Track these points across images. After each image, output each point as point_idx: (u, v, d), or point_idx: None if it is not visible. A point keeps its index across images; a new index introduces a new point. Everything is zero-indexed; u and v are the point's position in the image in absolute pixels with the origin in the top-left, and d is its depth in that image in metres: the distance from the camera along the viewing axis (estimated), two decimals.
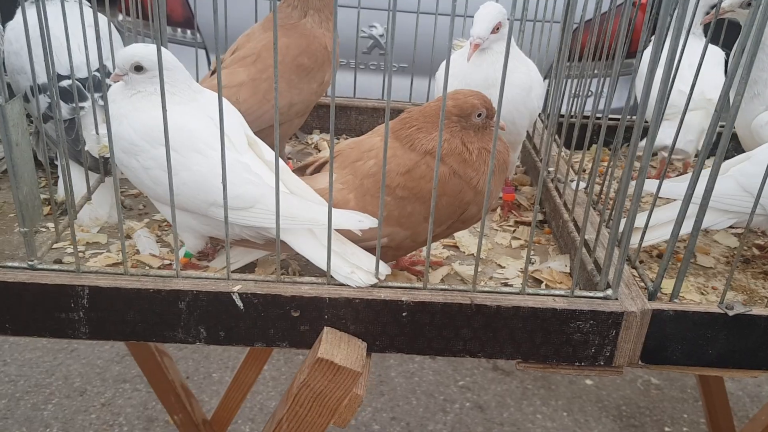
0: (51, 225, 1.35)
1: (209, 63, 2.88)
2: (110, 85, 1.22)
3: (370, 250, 1.16)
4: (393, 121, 1.19)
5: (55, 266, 1.10)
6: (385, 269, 1.13)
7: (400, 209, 1.14)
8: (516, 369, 1.14)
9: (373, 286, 1.11)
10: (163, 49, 1.16)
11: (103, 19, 1.48)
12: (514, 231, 1.53)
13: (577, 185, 1.41)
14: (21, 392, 2.94)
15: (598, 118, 1.61)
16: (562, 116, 1.82)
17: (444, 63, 1.56)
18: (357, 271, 1.11)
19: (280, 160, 1.20)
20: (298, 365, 3.17)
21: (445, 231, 1.20)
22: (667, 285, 1.36)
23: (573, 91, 1.75)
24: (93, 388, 2.98)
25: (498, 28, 1.41)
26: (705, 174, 1.13)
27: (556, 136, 1.77)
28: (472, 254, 1.43)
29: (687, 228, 1.35)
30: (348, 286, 1.10)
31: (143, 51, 1.16)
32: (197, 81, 1.33)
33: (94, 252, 1.31)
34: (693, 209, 1.33)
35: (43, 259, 1.13)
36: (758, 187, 1.21)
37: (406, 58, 2.94)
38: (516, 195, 1.65)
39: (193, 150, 1.13)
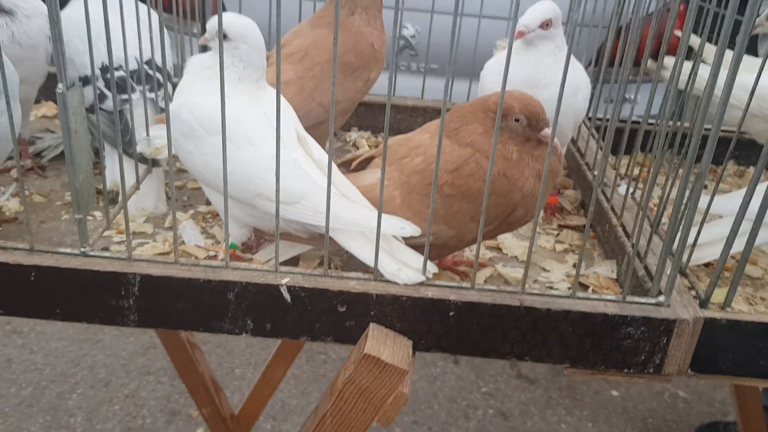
0: (98, 213, 1.36)
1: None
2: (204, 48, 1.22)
3: (417, 247, 1.15)
4: (447, 115, 1.18)
5: (107, 254, 1.11)
6: (432, 268, 1.12)
7: (447, 207, 1.13)
8: (563, 373, 1.12)
9: (421, 284, 1.10)
10: (253, 24, 1.17)
11: (154, 14, 1.49)
12: (557, 234, 1.52)
13: (627, 191, 1.39)
14: (47, 381, 2.97)
15: (643, 123, 1.60)
16: (601, 119, 1.81)
17: (489, 62, 1.56)
18: (404, 269, 1.10)
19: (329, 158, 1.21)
20: (320, 364, 3.18)
21: (491, 232, 1.19)
22: (716, 295, 1.34)
23: (612, 96, 1.73)
24: (117, 380, 3.01)
25: (548, 25, 1.40)
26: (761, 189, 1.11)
27: (600, 141, 1.75)
28: (516, 257, 1.42)
29: (740, 246, 1.33)
30: (395, 283, 1.09)
31: (232, 19, 1.17)
32: None
33: (140, 242, 1.32)
34: (745, 226, 1.32)
35: (93, 247, 1.14)
36: None
37: (438, 59, 2.93)
38: (559, 198, 1.64)
39: (246, 141, 1.13)
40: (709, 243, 1.34)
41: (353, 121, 1.97)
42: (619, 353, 1.11)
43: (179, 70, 1.72)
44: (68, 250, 1.10)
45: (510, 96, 1.14)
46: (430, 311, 1.09)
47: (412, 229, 1.10)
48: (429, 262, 1.13)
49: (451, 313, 1.09)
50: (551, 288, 1.30)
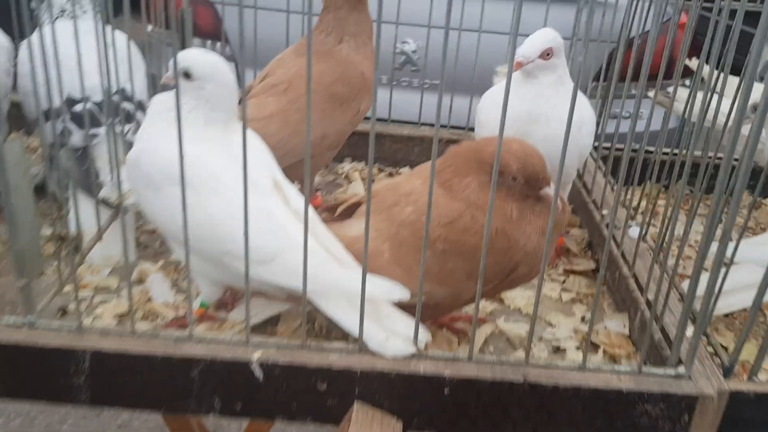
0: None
1: (238, 77, 2.77)
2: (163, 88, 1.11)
3: (408, 307, 1.03)
4: (440, 160, 1.06)
5: (56, 324, 0.99)
6: (425, 336, 1.00)
7: (441, 265, 1.00)
8: None
9: (411, 356, 0.97)
10: (220, 61, 1.05)
11: (121, 37, 1.37)
12: (563, 282, 1.39)
13: (640, 235, 1.26)
14: (36, 411, 2.85)
15: (649, 152, 1.48)
16: (607, 148, 1.68)
17: (487, 92, 1.43)
18: (393, 338, 0.98)
19: (311, 209, 1.08)
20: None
21: (491, 291, 1.06)
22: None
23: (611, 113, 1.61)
24: (109, 410, 2.87)
25: (549, 54, 1.27)
26: None
27: (608, 174, 1.63)
28: (519, 309, 1.29)
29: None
30: (382, 355, 0.97)
31: (195, 57, 1.05)
32: None
33: (103, 298, 1.20)
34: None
35: (44, 312, 1.02)
36: None
37: (439, 75, 2.81)
38: (565, 238, 1.51)
39: (213, 191, 1.01)
40: (727, 292, 1.21)
41: (346, 151, 1.83)
42: None
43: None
44: (12, 320, 0.98)
45: (507, 151, 1.00)
46: (422, 388, 0.96)
47: (401, 293, 0.97)
48: (421, 329, 1.00)
49: (446, 390, 0.96)
50: (558, 348, 1.18)
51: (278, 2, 1.74)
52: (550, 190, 1.01)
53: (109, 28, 1.19)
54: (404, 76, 3.06)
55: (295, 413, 0.98)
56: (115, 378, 0.96)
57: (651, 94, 1.70)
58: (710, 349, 1.10)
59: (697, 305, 1.09)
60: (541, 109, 1.27)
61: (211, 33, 3.13)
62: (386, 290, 0.97)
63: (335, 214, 1.15)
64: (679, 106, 1.48)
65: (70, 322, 0.99)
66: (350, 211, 1.14)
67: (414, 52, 3.00)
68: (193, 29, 3.20)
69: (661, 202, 1.78)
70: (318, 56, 1.39)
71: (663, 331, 1.09)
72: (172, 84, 1.07)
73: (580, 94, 1.35)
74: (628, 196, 1.56)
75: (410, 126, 1.87)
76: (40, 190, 1.38)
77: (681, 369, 0.99)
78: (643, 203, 1.72)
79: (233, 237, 0.98)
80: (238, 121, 1.10)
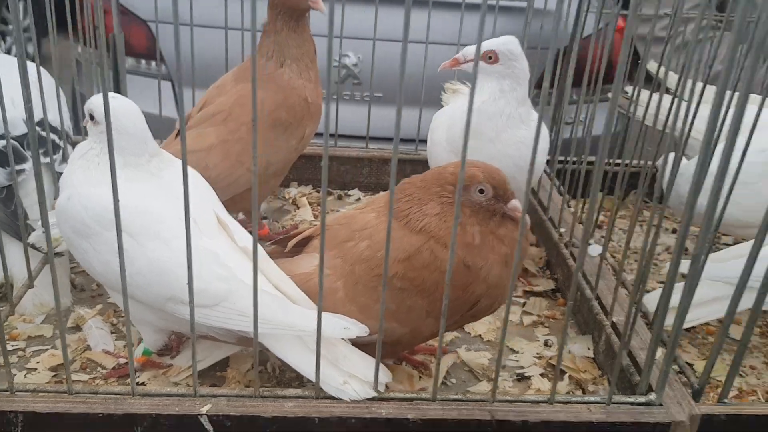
0: None
1: (175, 97, 2.67)
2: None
3: (365, 347, 0.97)
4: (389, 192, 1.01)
5: None
6: (385, 377, 0.94)
7: (399, 303, 0.95)
8: None
9: (372, 399, 0.92)
10: (130, 107, 0.98)
11: (31, 66, 1.29)
12: (524, 304, 1.35)
13: (604, 253, 1.23)
14: None
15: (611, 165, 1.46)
16: (562, 162, 1.66)
17: (437, 113, 1.40)
18: (351, 381, 0.92)
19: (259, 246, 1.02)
20: None
21: (451, 326, 1.02)
22: (702, 367, 1.20)
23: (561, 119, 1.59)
24: None
25: (491, 58, 1.23)
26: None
27: (561, 187, 1.61)
28: (480, 336, 1.25)
29: (719, 311, 1.20)
30: (341, 399, 0.91)
31: (97, 101, 0.98)
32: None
33: (37, 349, 1.11)
34: (727, 290, 1.17)
35: None
36: None
37: (381, 87, 2.77)
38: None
39: (152, 236, 0.94)
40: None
41: (292, 175, 1.78)
42: None
43: None
44: None
45: (471, 165, 0.97)
46: None
47: (358, 329, 0.92)
48: (386, 370, 0.95)
49: None
50: (523, 377, 1.14)
51: (216, 19, 1.68)
52: (517, 203, 0.97)
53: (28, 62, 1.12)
54: (346, 89, 3.02)
55: None
56: None
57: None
58: (675, 367, 1.08)
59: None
60: (483, 125, 1.23)
61: (145, 52, 3.03)
62: (342, 328, 0.91)
63: (286, 249, 1.09)
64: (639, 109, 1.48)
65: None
66: (301, 245, 1.08)
67: (355, 65, 2.96)
68: (126, 49, 3.11)
69: (623, 212, 1.78)
70: (259, 82, 1.32)
71: (630, 355, 1.06)
72: (88, 126, 1.00)
73: (533, 112, 1.32)
74: (584, 211, 1.54)
75: (358, 148, 1.81)
76: None
77: (652, 396, 0.96)
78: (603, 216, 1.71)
79: (176, 282, 0.91)
80: (166, 158, 1.03)
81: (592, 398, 0.96)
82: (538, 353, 1.20)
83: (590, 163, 1.52)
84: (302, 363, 0.93)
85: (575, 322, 1.29)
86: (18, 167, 1.21)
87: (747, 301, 1.17)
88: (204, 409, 0.88)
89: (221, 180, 1.30)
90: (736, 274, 0.98)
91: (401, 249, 0.94)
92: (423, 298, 0.95)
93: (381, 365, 0.93)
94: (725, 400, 1.00)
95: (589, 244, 1.38)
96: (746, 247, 1.20)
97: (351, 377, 0.92)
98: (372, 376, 0.92)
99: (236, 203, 1.40)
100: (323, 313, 0.91)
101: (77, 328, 1.17)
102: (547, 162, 1.66)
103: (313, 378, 0.91)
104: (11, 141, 1.19)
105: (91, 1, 1.50)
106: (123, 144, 0.95)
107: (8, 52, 4.61)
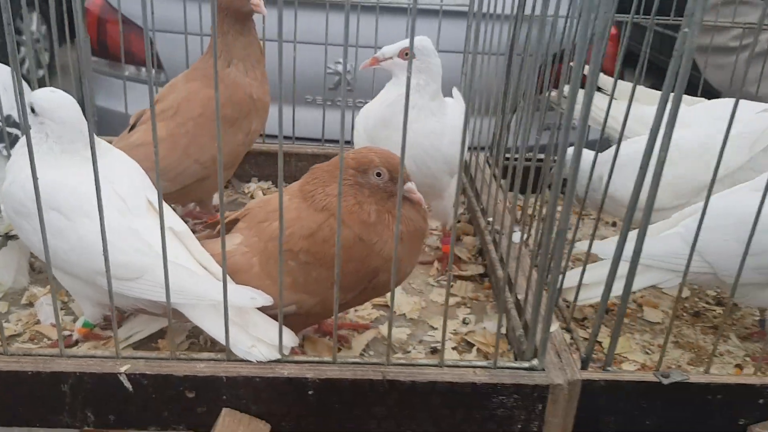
0: None
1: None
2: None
3: (284, 317, 1.07)
4: (304, 176, 1.12)
5: None
6: (291, 341, 1.04)
7: (306, 275, 1.05)
8: None
9: (277, 361, 1.02)
10: (65, 100, 1.09)
11: (5, 68, 1.41)
12: (452, 287, 1.44)
13: (524, 238, 1.32)
14: None
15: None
16: (508, 158, 1.75)
17: (364, 108, 1.50)
18: (259, 345, 1.02)
19: (185, 226, 1.13)
20: None
21: (358, 297, 1.11)
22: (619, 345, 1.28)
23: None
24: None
25: (407, 55, 1.34)
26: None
27: (502, 180, 1.69)
28: (404, 314, 1.34)
29: (638, 285, 1.28)
30: (248, 361, 1.01)
31: (38, 94, 1.09)
32: None
33: None
34: (640, 268, 1.26)
35: None
36: (707, 245, 1.15)
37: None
38: (457, 246, 1.57)
39: (82, 214, 1.04)
40: (589, 285, 1.28)
41: (253, 170, 1.89)
42: (494, 423, 1.03)
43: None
44: None
45: (369, 150, 1.08)
46: (286, 391, 1.00)
47: (263, 299, 1.02)
48: (289, 335, 1.05)
49: (310, 392, 1.01)
50: (435, 350, 1.23)
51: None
52: (412, 185, 1.07)
53: None
54: (339, 96, 3.12)
55: (167, 422, 1.01)
56: None
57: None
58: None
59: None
60: (396, 116, 1.34)
61: (144, 60, 3.15)
62: (249, 298, 1.02)
63: (214, 230, 1.20)
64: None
65: None
66: (228, 229, 1.19)
67: (348, 72, 3.06)
68: (128, 57, 3.24)
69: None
70: (206, 80, 1.45)
71: (526, 327, 1.15)
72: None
73: (449, 107, 1.42)
74: (528, 204, 1.62)
75: (315, 144, 1.92)
76: None
77: (534, 362, 1.05)
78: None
79: (102, 257, 1.02)
80: (103, 146, 1.14)
81: (479, 363, 1.05)
82: (454, 329, 1.30)
83: (528, 160, 1.61)
84: (216, 329, 1.03)
85: (495, 303, 1.38)
86: None
87: (645, 281, 1.27)
88: (123, 369, 0.99)
89: (170, 171, 1.41)
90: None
91: (305, 226, 1.05)
92: (326, 270, 1.05)
93: (288, 332, 1.03)
94: (609, 368, 1.09)
95: (514, 232, 1.47)
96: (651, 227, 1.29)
97: (259, 342, 1.02)
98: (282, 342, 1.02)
99: (188, 193, 1.51)
100: (233, 285, 1.01)
101: (30, 304, 1.28)
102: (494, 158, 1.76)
103: (224, 342, 1.01)
104: None
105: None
106: (59, 132, 1.06)
107: (23, 61, 4.78)
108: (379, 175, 1.05)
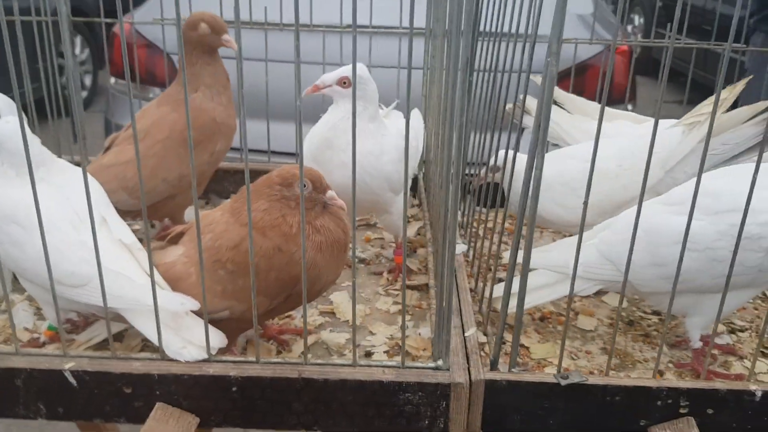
0: None
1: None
2: None
3: (217, 322, 1.19)
4: (235, 195, 1.24)
5: None
6: (218, 342, 1.16)
7: (233, 283, 1.17)
8: None
9: (204, 361, 1.13)
10: (13, 131, 1.23)
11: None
12: (397, 295, 1.55)
13: (472, 249, 1.42)
14: None
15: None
16: (469, 175, 1.84)
17: (309, 131, 1.61)
18: (188, 346, 1.14)
19: (135, 238, 1.25)
20: None
21: (283, 305, 1.22)
22: (538, 350, 1.37)
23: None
24: None
25: (346, 83, 1.46)
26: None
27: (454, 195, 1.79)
28: (347, 321, 1.44)
29: (553, 295, 1.36)
30: (179, 361, 1.13)
31: None
32: None
33: None
34: (558, 277, 1.35)
35: None
36: (619, 256, 1.23)
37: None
38: (409, 258, 1.67)
39: (37, 228, 1.17)
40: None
41: (232, 188, 2.02)
42: (403, 419, 1.13)
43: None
44: None
45: (295, 167, 1.19)
46: (212, 388, 1.12)
47: (191, 304, 1.14)
48: (220, 336, 1.16)
49: (234, 389, 1.12)
50: (368, 354, 1.33)
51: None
52: (333, 193, 1.18)
53: None
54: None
55: (109, 415, 1.14)
56: None
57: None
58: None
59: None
60: (338, 138, 1.45)
61: (170, 81, 3.31)
62: (179, 303, 1.14)
63: (165, 241, 1.33)
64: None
65: None
66: (176, 240, 1.31)
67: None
68: (150, 79, 3.41)
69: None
70: (173, 106, 1.58)
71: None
72: None
73: (390, 128, 1.53)
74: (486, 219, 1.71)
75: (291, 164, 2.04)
76: None
77: (439, 362, 1.14)
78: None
79: (55, 267, 1.15)
80: (60, 166, 1.28)
81: (388, 362, 1.15)
82: (390, 335, 1.40)
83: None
84: (151, 331, 1.15)
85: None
86: None
87: (564, 289, 1.35)
88: (68, 366, 1.11)
89: (137, 189, 1.55)
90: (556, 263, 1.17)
91: (231, 239, 1.16)
92: (250, 279, 1.16)
93: (217, 334, 1.15)
94: (513, 369, 1.18)
95: (458, 243, 1.57)
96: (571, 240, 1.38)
97: (189, 343, 1.14)
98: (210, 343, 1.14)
99: (158, 211, 1.64)
100: (165, 292, 1.14)
101: (5, 310, 1.42)
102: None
103: (157, 343, 1.13)
104: None
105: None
106: (11, 159, 1.20)
107: (64, 86, 5.04)
108: (304, 186, 1.17)
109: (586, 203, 1.10)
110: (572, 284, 1.16)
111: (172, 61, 3.28)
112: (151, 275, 1.09)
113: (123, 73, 3.31)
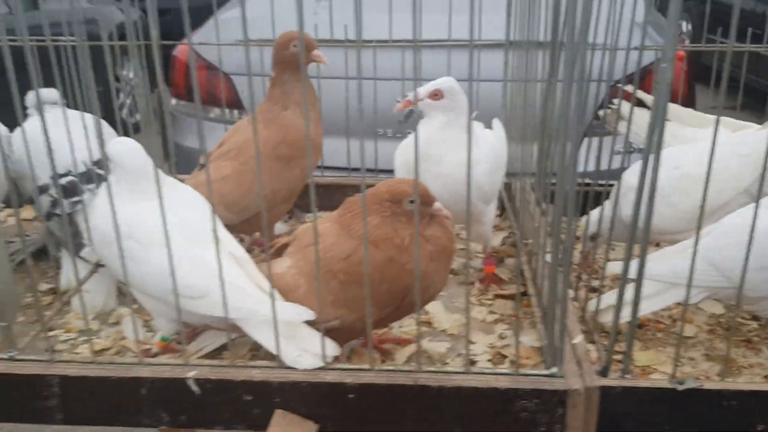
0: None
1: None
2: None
3: (330, 332, 1.21)
4: (339, 208, 1.27)
5: (32, 356, 1.20)
6: (333, 351, 1.18)
7: (345, 293, 1.19)
8: None
9: (320, 369, 1.16)
10: (129, 149, 1.28)
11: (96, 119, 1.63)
12: (491, 305, 1.55)
13: (554, 259, 1.41)
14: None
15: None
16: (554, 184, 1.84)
17: (402, 144, 1.64)
18: (304, 355, 1.16)
19: (244, 252, 1.29)
20: None
21: (391, 315, 1.24)
22: (642, 358, 1.36)
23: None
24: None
25: (437, 95, 1.48)
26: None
27: (543, 204, 1.79)
28: (444, 330, 1.46)
29: (660, 304, 1.36)
30: (296, 369, 1.15)
31: (111, 144, 1.28)
32: None
33: (86, 338, 1.41)
34: (663, 286, 1.34)
35: (26, 350, 1.24)
36: (724, 260, 1.22)
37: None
38: (498, 267, 1.68)
39: (154, 242, 1.22)
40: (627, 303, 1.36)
41: (319, 203, 2.05)
42: (518, 425, 1.13)
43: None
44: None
45: (402, 182, 1.22)
46: (329, 394, 1.14)
47: (307, 314, 1.17)
48: (334, 345, 1.19)
49: (350, 395, 1.14)
50: (472, 362, 1.34)
51: None
52: (439, 204, 1.21)
53: (87, 115, 1.46)
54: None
55: (230, 422, 1.17)
56: (80, 399, 1.17)
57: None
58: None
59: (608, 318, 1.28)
60: (433, 150, 1.47)
61: (229, 102, 3.38)
62: (295, 313, 1.17)
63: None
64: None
65: (42, 356, 1.21)
66: (279, 252, 1.34)
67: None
68: (213, 100, 3.49)
69: None
70: (264, 124, 1.63)
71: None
72: None
73: (482, 135, 1.55)
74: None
75: (370, 175, 2.07)
76: (42, 253, 1.65)
77: (554, 369, 1.15)
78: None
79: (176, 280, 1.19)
80: (177, 184, 1.32)
81: (502, 370, 1.16)
82: (491, 344, 1.40)
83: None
84: (268, 341, 1.18)
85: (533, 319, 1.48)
86: (76, 199, 1.55)
87: (671, 298, 1.34)
88: (191, 374, 1.15)
89: (235, 205, 1.59)
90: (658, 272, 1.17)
91: (343, 250, 1.19)
92: (361, 289, 1.18)
93: (331, 344, 1.18)
94: (626, 376, 1.17)
95: (547, 252, 1.57)
96: (674, 248, 1.37)
97: (305, 352, 1.17)
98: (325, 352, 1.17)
99: (251, 225, 1.68)
100: (281, 302, 1.17)
101: (117, 323, 1.47)
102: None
103: (276, 352, 1.16)
104: (71, 179, 1.53)
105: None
106: (127, 176, 1.25)
107: (121, 107, 5.21)
108: (412, 202, 1.19)
109: (702, 207, 1.09)
110: (688, 291, 1.15)
111: (232, 81, 3.35)
112: (271, 287, 1.12)
113: (184, 94, 3.39)
